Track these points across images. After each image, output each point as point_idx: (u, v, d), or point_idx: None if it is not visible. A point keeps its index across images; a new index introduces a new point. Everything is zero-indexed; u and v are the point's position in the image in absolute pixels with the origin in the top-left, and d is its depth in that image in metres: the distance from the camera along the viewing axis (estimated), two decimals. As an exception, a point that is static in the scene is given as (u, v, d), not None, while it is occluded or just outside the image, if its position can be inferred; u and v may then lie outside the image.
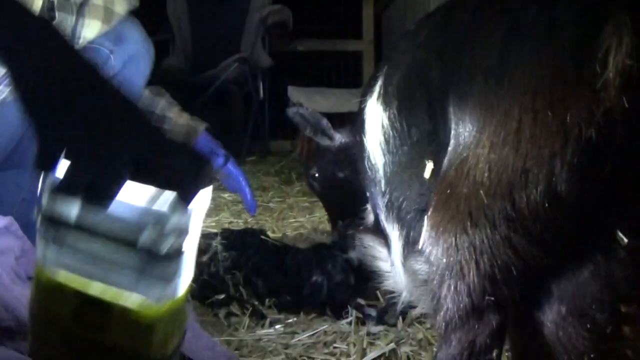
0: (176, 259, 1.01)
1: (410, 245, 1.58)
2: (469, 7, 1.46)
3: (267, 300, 2.28)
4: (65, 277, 0.99)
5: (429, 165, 1.52)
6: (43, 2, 1.87)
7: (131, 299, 0.99)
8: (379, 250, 1.88)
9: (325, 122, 2.36)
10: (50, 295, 1.02)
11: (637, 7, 1.18)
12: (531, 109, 1.25)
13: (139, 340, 1.03)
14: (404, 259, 1.64)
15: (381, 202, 1.74)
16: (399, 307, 2.05)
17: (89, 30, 2.04)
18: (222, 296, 2.20)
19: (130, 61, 2.16)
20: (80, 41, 2.01)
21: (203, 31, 5.88)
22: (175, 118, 2.43)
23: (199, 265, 2.29)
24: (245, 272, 2.34)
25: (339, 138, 2.41)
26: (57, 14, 1.92)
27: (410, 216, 1.59)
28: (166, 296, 1.01)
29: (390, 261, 1.76)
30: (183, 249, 1.01)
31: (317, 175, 2.55)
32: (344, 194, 2.42)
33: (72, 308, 1.00)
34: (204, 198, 1.05)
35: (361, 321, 2.11)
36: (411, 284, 1.64)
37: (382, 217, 1.75)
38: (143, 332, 1.03)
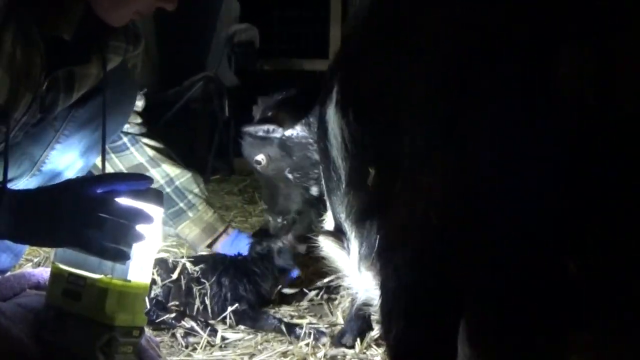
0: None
1: (367, 249, 1.58)
2: (425, 13, 1.42)
3: (230, 307, 2.29)
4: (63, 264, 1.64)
5: (373, 174, 1.50)
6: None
7: (97, 274, 1.57)
8: (338, 252, 1.87)
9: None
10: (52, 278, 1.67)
11: (590, 33, 1.19)
12: (486, 129, 1.24)
13: (95, 306, 1.55)
14: (360, 262, 1.64)
15: (342, 207, 1.73)
16: (357, 326, 2.05)
17: None
18: (172, 315, 2.18)
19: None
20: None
21: (169, 49, 5.83)
22: (202, 212, 2.57)
23: (167, 287, 2.30)
24: (215, 280, 2.37)
25: (290, 130, 2.48)
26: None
27: (366, 221, 1.59)
28: (116, 270, 1.55)
29: (349, 263, 1.76)
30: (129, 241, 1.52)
31: (262, 162, 2.56)
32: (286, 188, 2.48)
33: (64, 286, 1.61)
34: (155, 215, 1.58)
35: (317, 342, 2.10)
36: (368, 285, 1.63)
37: (343, 221, 1.75)
38: (99, 297, 1.55)
